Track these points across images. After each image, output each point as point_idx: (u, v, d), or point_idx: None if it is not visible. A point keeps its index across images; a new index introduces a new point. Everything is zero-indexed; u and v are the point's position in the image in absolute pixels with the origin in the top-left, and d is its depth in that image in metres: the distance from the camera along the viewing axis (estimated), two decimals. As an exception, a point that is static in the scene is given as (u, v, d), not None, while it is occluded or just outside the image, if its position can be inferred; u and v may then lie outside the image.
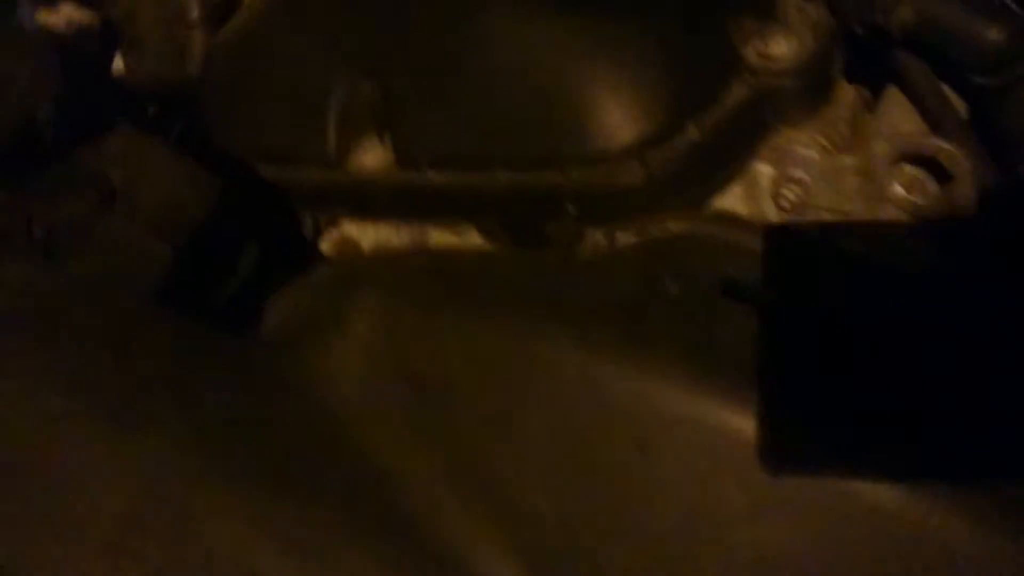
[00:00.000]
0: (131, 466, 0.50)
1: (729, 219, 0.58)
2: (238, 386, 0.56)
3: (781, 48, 0.59)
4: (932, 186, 0.60)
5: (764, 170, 0.61)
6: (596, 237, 0.61)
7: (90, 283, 0.57)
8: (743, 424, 0.45)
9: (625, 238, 0.60)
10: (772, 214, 0.60)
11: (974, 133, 0.62)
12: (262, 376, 0.57)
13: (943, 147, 0.58)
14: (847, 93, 0.63)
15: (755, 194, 0.61)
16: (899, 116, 0.63)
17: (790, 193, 0.60)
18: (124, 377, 0.54)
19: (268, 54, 0.71)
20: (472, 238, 0.68)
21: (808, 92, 0.61)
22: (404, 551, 0.49)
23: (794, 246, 0.57)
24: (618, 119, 0.58)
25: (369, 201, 0.69)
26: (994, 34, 0.58)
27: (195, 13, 0.94)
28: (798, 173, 0.60)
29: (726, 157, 0.60)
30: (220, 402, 0.55)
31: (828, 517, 0.44)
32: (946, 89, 0.63)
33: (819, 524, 0.44)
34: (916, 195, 0.59)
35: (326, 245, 0.76)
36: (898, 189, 0.60)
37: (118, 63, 1.00)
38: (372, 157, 0.67)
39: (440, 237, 0.69)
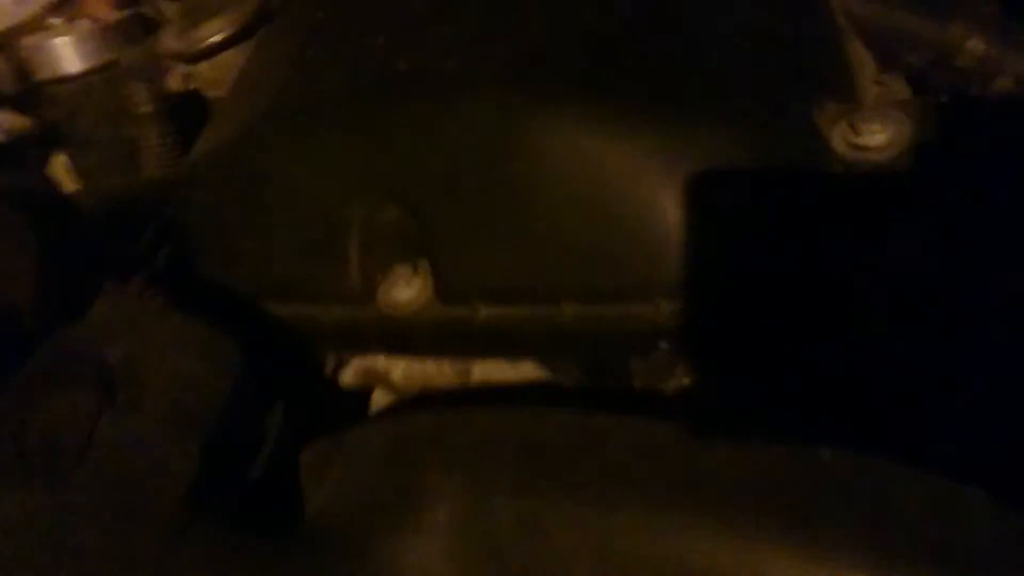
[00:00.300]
0: None
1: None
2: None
3: (876, 135, 0.52)
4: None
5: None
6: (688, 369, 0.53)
7: (100, 504, 0.46)
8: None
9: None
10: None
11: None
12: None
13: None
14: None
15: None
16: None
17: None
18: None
19: (267, 171, 0.61)
20: (529, 370, 0.59)
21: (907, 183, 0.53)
22: None
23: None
24: (710, 238, 0.50)
25: (404, 339, 0.59)
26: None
27: (147, 107, 0.84)
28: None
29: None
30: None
31: None
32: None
33: None
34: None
35: (349, 377, 0.67)
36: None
37: (54, 166, 0.90)
38: (407, 291, 0.58)
39: (490, 368, 0.61)
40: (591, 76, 0.53)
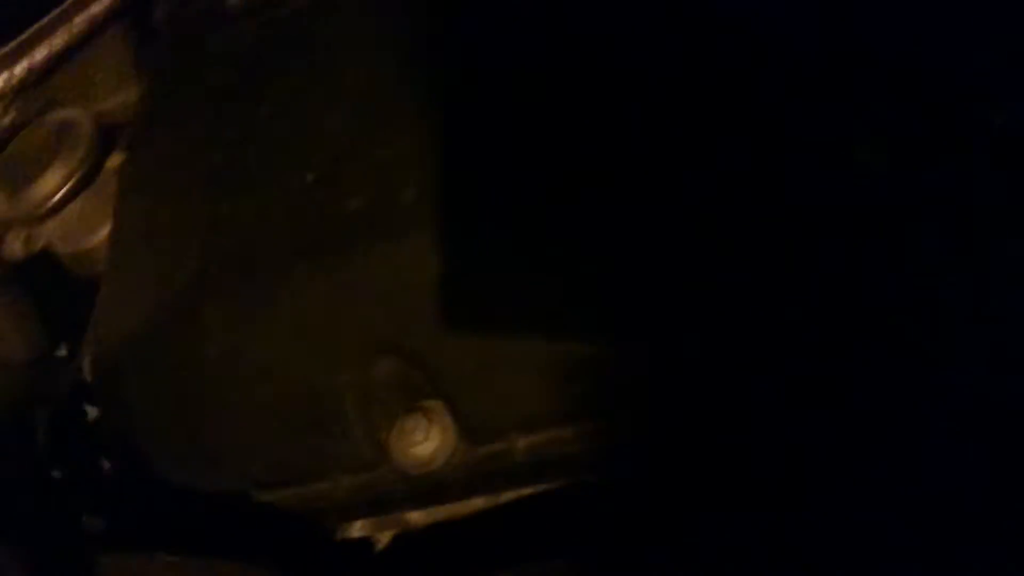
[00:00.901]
0: None
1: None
2: None
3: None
4: None
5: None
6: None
7: None
8: None
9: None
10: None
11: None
12: None
13: None
14: None
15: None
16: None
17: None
18: None
19: (220, 352, 0.53)
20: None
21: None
22: None
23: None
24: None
25: (433, 493, 0.54)
26: None
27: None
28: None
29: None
30: None
31: None
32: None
33: None
34: None
35: (357, 531, 0.61)
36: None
37: None
38: (428, 444, 0.52)
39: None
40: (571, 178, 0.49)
